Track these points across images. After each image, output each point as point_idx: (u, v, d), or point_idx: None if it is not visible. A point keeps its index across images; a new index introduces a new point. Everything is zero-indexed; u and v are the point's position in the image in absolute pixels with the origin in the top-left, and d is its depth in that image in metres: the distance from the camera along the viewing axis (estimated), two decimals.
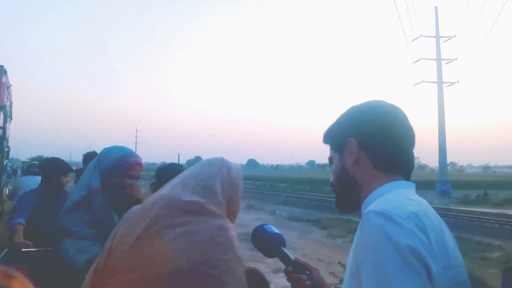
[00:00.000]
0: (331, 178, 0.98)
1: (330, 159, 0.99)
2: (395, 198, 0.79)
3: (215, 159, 1.20)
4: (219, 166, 1.14)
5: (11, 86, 9.02)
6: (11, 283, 0.52)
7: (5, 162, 8.55)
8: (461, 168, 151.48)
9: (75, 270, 1.37)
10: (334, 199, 1.01)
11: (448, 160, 39.06)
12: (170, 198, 1.00)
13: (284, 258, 1.11)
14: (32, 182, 4.83)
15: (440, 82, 31.34)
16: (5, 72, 7.16)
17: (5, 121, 7.27)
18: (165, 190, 1.06)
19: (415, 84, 33.03)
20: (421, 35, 31.87)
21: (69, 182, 3.26)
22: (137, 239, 0.92)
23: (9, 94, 8.82)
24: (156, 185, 1.94)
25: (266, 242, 1.16)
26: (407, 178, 0.90)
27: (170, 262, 0.88)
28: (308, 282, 1.03)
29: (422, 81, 32.16)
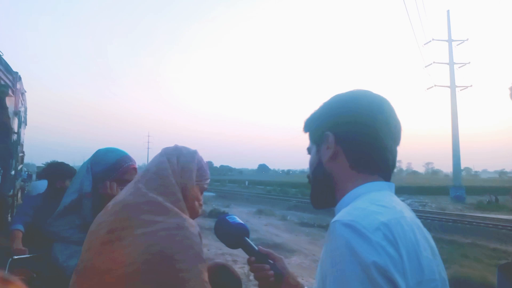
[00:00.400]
0: (308, 171, 0.93)
1: (308, 149, 0.94)
2: (365, 206, 0.72)
3: (166, 148, 1.22)
4: (168, 156, 1.16)
5: (25, 92, 9.24)
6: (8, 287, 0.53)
7: (19, 167, 8.65)
8: (476, 174, 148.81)
9: (66, 275, 1.32)
10: None
11: (462, 166, 38.38)
12: (127, 202, 1.04)
13: (248, 249, 1.10)
14: (44, 186, 5.02)
15: (453, 86, 30.95)
16: (20, 78, 7.31)
17: (19, 126, 7.36)
18: (123, 193, 1.10)
19: (427, 89, 32.71)
20: (433, 39, 31.61)
21: None
22: (101, 245, 0.99)
23: (23, 100, 9.03)
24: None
25: (229, 234, 1.15)
26: (387, 178, 0.84)
27: (130, 264, 0.94)
28: (271, 272, 1.01)
29: (435, 85, 31.82)
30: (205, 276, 1.01)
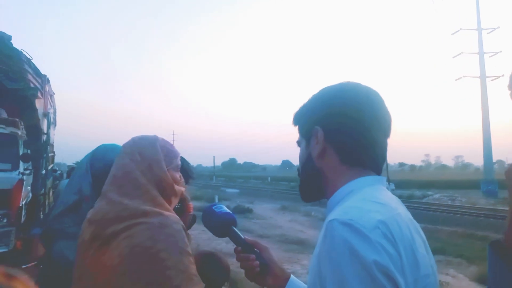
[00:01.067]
0: (298, 165, 0.93)
1: (298, 143, 0.93)
2: (361, 204, 0.72)
3: (125, 146, 1.18)
4: (130, 155, 1.13)
5: (54, 94, 9.34)
6: (13, 283, 0.53)
7: (50, 167, 8.71)
8: None
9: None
10: None
11: (495, 158, 36.95)
12: (107, 210, 1.04)
13: (235, 238, 1.10)
14: None
15: (483, 77, 29.74)
16: (48, 81, 7.49)
17: (48, 127, 7.51)
18: (98, 205, 1.09)
19: (456, 80, 31.60)
20: (461, 28, 30.47)
21: None
22: (85, 251, 1.02)
23: (52, 102, 9.08)
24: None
25: (216, 224, 1.15)
26: (378, 171, 0.84)
27: (117, 266, 0.97)
28: (256, 262, 1.02)
29: (464, 76, 30.72)
30: (192, 269, 1.02)
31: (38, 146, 7.13)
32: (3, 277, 0.53)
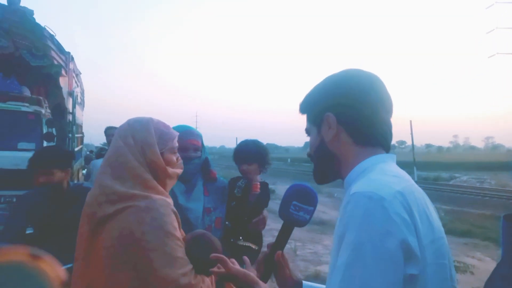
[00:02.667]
0: (309, 150, 0.98)
1: (307, 131, 0.98)
2: (380, 177, 0.79)
3: (120, 129, 1.20)
4: (123, 138, 1.15)
5: (80, 73, 9.22)
6: (39, 263, 0.54)
7: (78, 148, 8.58)
8: None
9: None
10: None
11: None
12: (98, 193, 1.10)
13: (284, 236, 1.06)
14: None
15: None
16: (72, 59, 7.29)
17: (74, 106, 7.26)
18: (95, 184, 1.14)
19: (489, 57, 30.15)
20: (496, 2, 28.79)
21: None
22: (83, 232, 1.10)
23: (78, 81, 8.97)
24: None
25: (287, 220, 1.07)
26: (387, 149, 0.90)
27: (108, 247, 1.04)
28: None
29: (497, 53, 29.26)
30: (178, 251, 1.06)
31: (63, 126, 6.88)
32: (29, 257, 0.54)
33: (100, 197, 1.10)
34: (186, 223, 1.54)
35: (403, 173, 0.85)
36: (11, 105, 5.36)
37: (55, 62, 5.75)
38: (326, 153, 0.91)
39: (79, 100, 9.00)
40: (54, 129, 5.67)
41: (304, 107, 0.98)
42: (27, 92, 5.87)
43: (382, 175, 0.79)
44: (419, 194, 0.80)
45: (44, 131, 5.46)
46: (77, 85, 8.57)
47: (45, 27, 5.57)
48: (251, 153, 2.03)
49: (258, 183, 2.00)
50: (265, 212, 2.01)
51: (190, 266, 1.09)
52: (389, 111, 0.91)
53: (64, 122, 6.89)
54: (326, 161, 0.93)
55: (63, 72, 6.19)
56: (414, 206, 0.73)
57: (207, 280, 1.15)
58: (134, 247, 1.03)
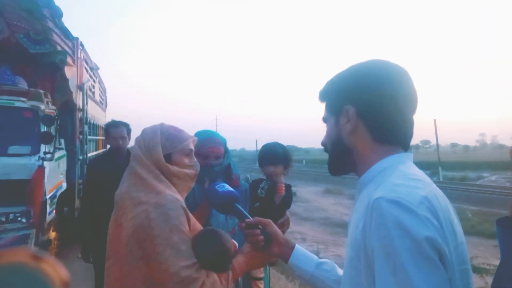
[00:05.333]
0: (324, 140, 0.94)
1: (325, 119, 0.93)
2: (403, 181, 0.74)
3: (138, 136, 1.35)
4: (137, 142, 1.32)
5: (98, 68, 7.90)
6: (41, 264, 0.55)
7: (94, 153, 7.27)
8: None
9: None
10: None
11: None
12: (122, 198, 1.23)
13: (239, 214, 1.20)
14: None
15: None
16: (82, 45, 5.90)
17: (84, 102, 5.95)
18: (120, 189, 1.27)
19: None
20: None
21: None
22: (112, 227, 1.25)
23: (95, 76, 7.66)
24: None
25: (219, 201, 1.24)
26: (406, 148, 0.85)
27: (127, 244, 1.15)
28: (261, 237, 1.11)
29: None
30: (182, 245, 1.13)
31: (73, 125, 5.68)
32: (30, 258, 0.54)
33: (123, 201, 1.22)
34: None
35: (424, 175, 0.81)
36: (1, 100, 4.22)
37: (59, 48, 4.67)
38: (342, 146, 0.87)
39: (96, 97, 7.70)
40: (53, 128, 4.50)
41: (324, 95, 0.93)
42: (23, 84, 4.72)
43: (405, 180, 0.75)
44: (442, 198, 0.76)
45: (44, 129, 4.34)
46: (92, 80, 7.23)
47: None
48: (278, 155, 2.04)
49: (283, 185, 2.02)
50: (288, 213, 2.01)
51: (193, 260, 1.13)
52: (414, 109, 0.85)
53: (73, 121, 5.70)
54: (341, 154, 0.88)
55: (69, 60, 5.01)
56: (440, 211, 0.71)
57: (214, 275, 1.17)
58: (145, 242, 1.12)
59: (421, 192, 0.71)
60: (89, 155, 6.30)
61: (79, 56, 5.69)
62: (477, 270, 5.60)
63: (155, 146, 1.27)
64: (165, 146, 1.28)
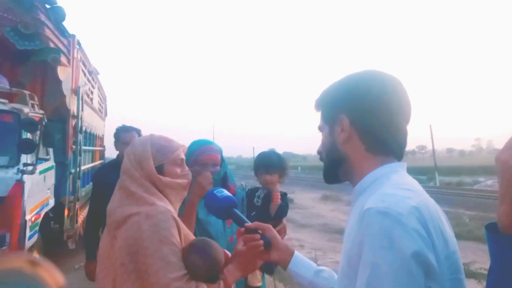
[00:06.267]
0: (319, 148, 0.96)
1: (320, 128, 0.96)
2: (394, 191, 0.75)
3: (128, 148, 1.34)
4: (128, 155, 1.30)
5: (98, 73, 7.18)
6: (38, 270, 0.54)
7: (90, 165, 6.59)
8: None
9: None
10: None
11: None
12: (114, 212, 1.22)
13: (238, 219, 1.20)
14: None
15: None
16: (79, 44, 5.18)
17: (79, 107, 5.15)
18: (111, 204, 1.26)
19: None
20: None
21: None
22: (104, 240, 1.24)
23: (94, 81, 6.88)
24: None
25: (218, 206, 1.24)
26: (399, 158, 0.87)
27: (119, 257, 1.14)
28: (261, 241, 1.10)
29: None
30: (172, 256, 1.12)
31: (64, 132, 4.94)
32: (28, 264, 0.54)
33: (114, 215, 1.23)
34: (207, 236, 1.56)
35: (416, 184, 0.82)
36: None
37: (51, 45, 4.02)
38: (336, 154, 0.89)
39: (94, 104, 6.90)
40: (38, 134, 3.87)
41: (319, 104, 0.95)
42: (4, 84, 4.09)
43: (396, 189, 0.76)
44: (433, 208, 0.77)
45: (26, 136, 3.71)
46: (91, 85, 6.48)
47: None
48: (274, 164, 2.04)
49: (279, 194, 2.02)
50: (284, 221, 2.01)
51: (183, 271, 1.12)
52: (407, 119, 0.87)
53: (65, 128, 4.95)
54: (335, 162, 0.90)
55: (63, 59, 4.30)
56: (430, 221, 0.71)
57: (204, 286, 1.16)
58: (136, 255, 1.12)
59: (411, 202, 0.71)
60: (83, 167, 5.62)
61: (75, 55, 4.93)
62: (475, 275, 5.59)
63: (147, 159, 1.27)
64: (156, 157, 1.28)
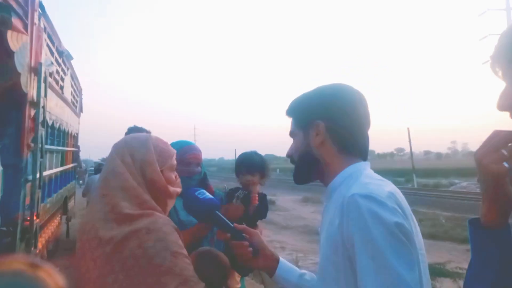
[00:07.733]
0: (290, 151, 1.05)
1: (292, 134, 1.05)
2: (369, 181, 0.88)
3: (116, 145, 1.13)
4: (121, 156, 1.07)
5: (71, 58, 6.13)
6: (38, 272, 0.55)
7: (62, 168, 5.96)
8: None
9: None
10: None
11: None
12: (93, 215, 1.02)
13: (220, 223, 1.13)
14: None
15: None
16: (43, 9, 3.82)
17: (39, 92, 3.52)
18: (91, 210, 1.05)
19: (483, 63, 30.42)
20: (488, 9, 29.23)
21: None
22: (79, 249, 1.01)
23: (66, 65, 5.71)
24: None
25: (199, 208, 1.17)
26: (365, 158, 0.99)
27: (115, 283, 0.93)
28: (250, 249, 1.08)
29: (490, 60, 29.51)
30: (189, 270, 0.99)
31: (19, 127, 3.37)
32: (28, 266, 0.54)
33: (99, 223, 1.01)
34: None
35: (383, 178, 0.94)
36: None
37: None
38: (310, 157, 0.99)
39: (65, 94, 5.64)
40: None
41: (292, 111, 1.05)
42: None
43: (371, 180, 0.89)
44: (402, 195, 0.89)
45: None
46: (61, 69, 5.25)
47: None
48: (255, 164, 2.02)
49: (257, 195, 2.01)
50: (260, 224, 1.98)
51: (202, 284, 1.00)
52: (369, 126, 1.01)
53: (19, 120, 3.37)
54: (310, 164, 1.00)
55: (17, 23, 2.90)
56: (402, 203, 0.85)
57: None
58: (144, 275, 0.94)
59: (386, 188, 0.84)
60: (47, 173, 4.20)
61: (35, 22, 3.46)
62: (451, 274, 5.74)
63: (152, 163, 1.08)
64: (158, 162, 1.10)
